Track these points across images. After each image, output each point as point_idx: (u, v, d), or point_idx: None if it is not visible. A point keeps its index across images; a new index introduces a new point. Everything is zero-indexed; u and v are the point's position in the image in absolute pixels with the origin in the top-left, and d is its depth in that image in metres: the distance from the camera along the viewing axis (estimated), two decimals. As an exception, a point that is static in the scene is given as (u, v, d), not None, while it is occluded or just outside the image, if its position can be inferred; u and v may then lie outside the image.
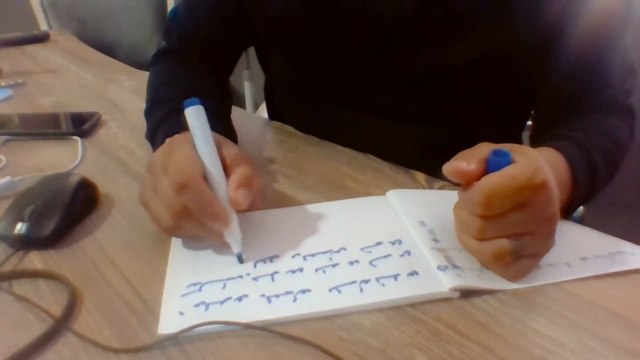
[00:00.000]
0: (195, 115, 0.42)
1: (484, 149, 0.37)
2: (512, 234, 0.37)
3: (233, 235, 0.41)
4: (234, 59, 0.73)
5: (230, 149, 0.44)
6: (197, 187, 0.39)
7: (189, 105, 0.42)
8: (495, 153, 0.36)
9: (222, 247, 0.42)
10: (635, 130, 0.58)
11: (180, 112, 0.43)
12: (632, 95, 0.58)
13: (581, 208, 0.75)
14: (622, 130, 0.57)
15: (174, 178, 0.39)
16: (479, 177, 0.36)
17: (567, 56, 0.55)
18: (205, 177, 0.41)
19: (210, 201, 0.39)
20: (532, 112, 0.67)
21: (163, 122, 0.56)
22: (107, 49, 1.31)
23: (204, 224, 0.40)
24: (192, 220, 0.40)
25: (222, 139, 0.47)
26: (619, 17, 0.54)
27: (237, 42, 0.71)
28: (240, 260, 0.41)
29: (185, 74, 0.66)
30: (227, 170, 0.43)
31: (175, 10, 0.71)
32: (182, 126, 0.43)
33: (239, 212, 0.42)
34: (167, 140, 0.45)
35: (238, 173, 0.42)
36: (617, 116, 0.57)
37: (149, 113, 0.62)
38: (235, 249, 0.41)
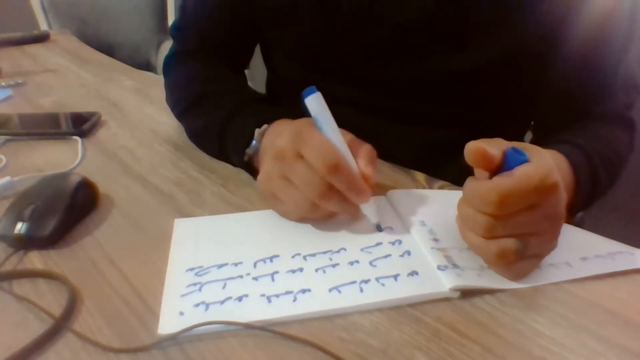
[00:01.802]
0: (317, 102, 0.44)
1: (502, 143, 0.37)
2: (519, 234, 0.36)
3: (371, 207, 0.45)
4: (249, 53, 0.74)
5: (343, 131, 0.46)
6: (346, 167, 0.42)
7: (308, 94, 0.44)
8: (514, 149, 0.36)
9: (221, 246, 0.42)
10: (635, 143, 0.59)
11: (253, 102, 0.47)
12: (634, 108, 0.59)
13: (580, 213, 0.75)
14: (623, 140, 0.57)
15: (324, 160, 0.41)
16: (493, 169, 0.36)
17: (571, 66, 0.55)
18: None
19: (358, 179, 0.43)
20: (534, 119, 0.67)
21: (239, 112, 0.55)
22: (107, 49, 1.32)
23: (346, 201, 0.43)
24: (334, 199, 0.42)
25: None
26: (623, 30, 0.54)
27: (251, 37, 0.71)
28: (380, 228, 0.45)
29: (215, 71, 0.67)
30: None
31: (183, 10, 0.70)
32: (270, 114, 0.51)
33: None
34: (287, 128, 0.45)
35: (365, 150, 0.45)
36: (618, 127, 0.58)
37: (191, 108, 0.62)
38: (374, 219, 0.45)
